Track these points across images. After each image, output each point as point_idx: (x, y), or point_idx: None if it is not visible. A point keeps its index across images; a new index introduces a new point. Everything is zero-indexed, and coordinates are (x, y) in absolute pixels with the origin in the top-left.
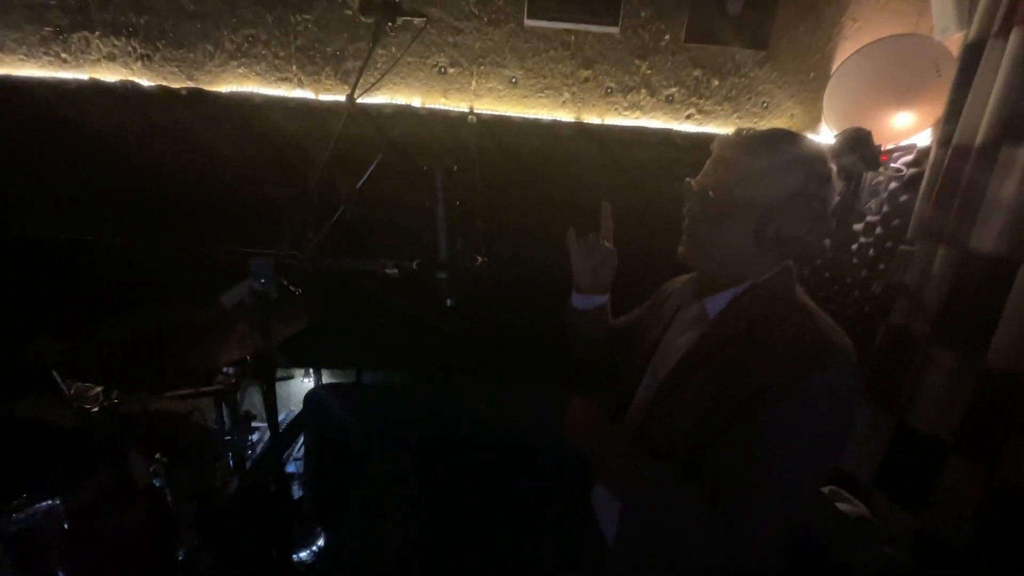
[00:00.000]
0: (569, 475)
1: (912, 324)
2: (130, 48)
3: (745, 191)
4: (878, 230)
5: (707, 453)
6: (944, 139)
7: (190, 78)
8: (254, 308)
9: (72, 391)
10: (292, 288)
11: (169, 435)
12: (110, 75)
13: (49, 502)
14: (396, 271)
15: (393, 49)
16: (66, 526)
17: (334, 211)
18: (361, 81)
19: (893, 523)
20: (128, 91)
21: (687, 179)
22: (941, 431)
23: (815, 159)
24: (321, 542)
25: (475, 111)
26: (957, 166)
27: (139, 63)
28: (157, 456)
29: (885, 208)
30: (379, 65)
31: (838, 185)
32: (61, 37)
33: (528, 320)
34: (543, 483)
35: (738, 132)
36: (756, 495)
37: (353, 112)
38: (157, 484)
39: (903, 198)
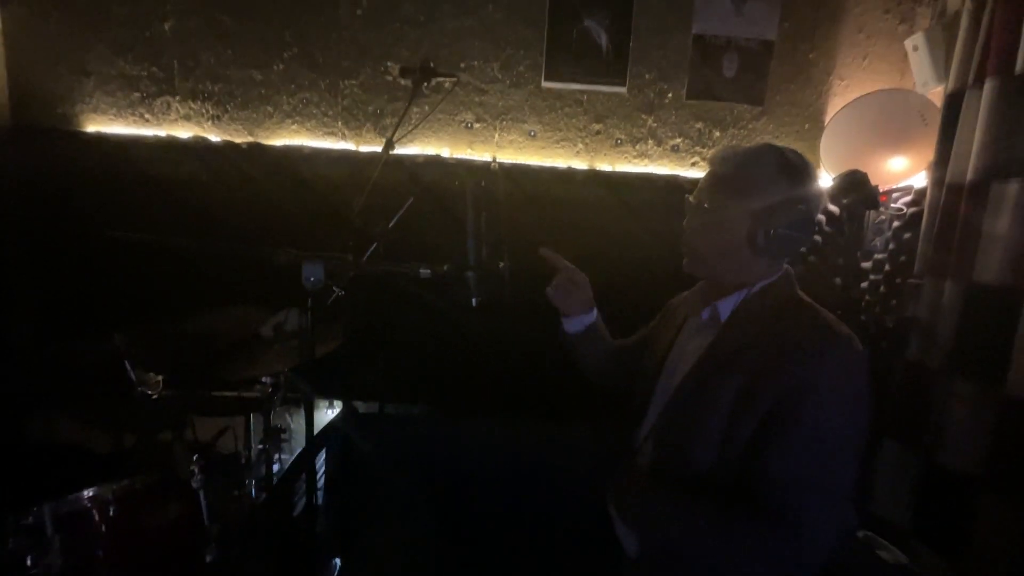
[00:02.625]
0: (586, 502)
1: (928, 358)
2: (204, 110)
3: (736, 201)
4: (886, 267)
5: (741, 461)
6: (938, 180)
7: (251, 134)
8: (292, 330)
9: (139, 378)
10: (336, 289)
11: (208, 442)
12: (184, 132)
13: (96, 489)
14: (429, 272)
15: (426, 107)
16: (112, 512)
17: (371, 243)
18: (398, 135)
19: (932, 570)
20: (198, 145)
21: (686, 195)
22: (970, 467)
23: (797, 167)
24: (337, 573)
25: (497, 159)
26: (952, 203)
27: (210, 122)
28: (196, 457)
29: (891, 246)
30: (413, 120)
31: (823, 191)
32: (146, 101)
33: (545, 324)
34: (561, 512)
35: (727, 148)
36: (819, 494)
37: (389, 159)
38: (195, 485)
39: (907, 235)
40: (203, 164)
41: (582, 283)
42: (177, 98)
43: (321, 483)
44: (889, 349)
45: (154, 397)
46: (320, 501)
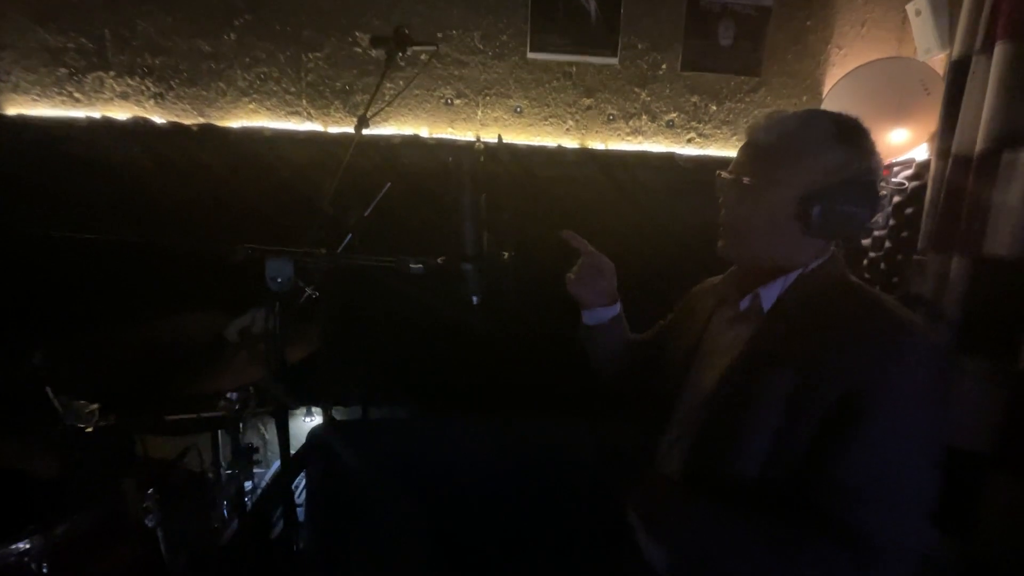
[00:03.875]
0: (597, 514)
1: (934, 336)
2: (143, 87)
3: (784, 172)
4: (887, 244)
5: (798, 469)
6: (942, 151)
7: (202, 115)
8: (260, 334)
9: (67, 409)
10: (309, 290)
11: (165, 469)
12: (122, 113)
13: (25, 543)
14: (421, 267)
15: (401, 83)
16: (45, 569)
17: (345, 234)
18: (371, 112)
19: (941, 551)
20: (140, 128)
21: (718, 172)
22: (978, 445)
23: (855, 131)
24: None
25: (482, 139)
26: (959, 175)
27: (152, 101)
28: (151, 492)
29: (892, 222)
30: (387, 97)
31: (882, 162)
32: (75, 78)
33: (555, 322)
34: (566, 523)
35: (770, 115)
36: (899, 509)
37: (362, 140)
38: (150, 524)
39: (908, 210)
40: (146, 149)
41: (608, 271)
42: (112, 73)
43: (301, 500)
44: None
45: (88, 430)
46: (301, 521)
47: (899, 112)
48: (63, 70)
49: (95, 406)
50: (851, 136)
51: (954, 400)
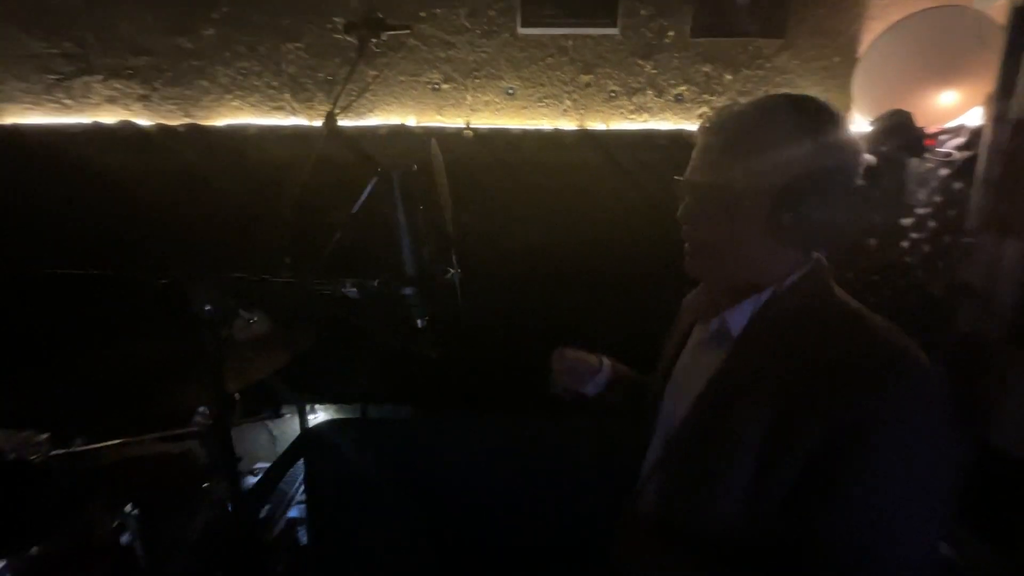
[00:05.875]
0: (592, 510)
1: (984, 328)
2: (130, 90)
3: (746, 176)
4: (931, 223)
5: (779, 517)
6: (999, 116)
7: (187, 114)
8: (245, 340)
9: (9, 441)
10: (245, 314)
11: (145, 484)
12: (111, 117)
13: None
14: (355, 291)
15: (386, 71)
16: None
17: (314, 235)
18: (350, 103)
19: (981, 563)
20: (128, 131)
21: (675, 177)
22: None
23: (826, 123)
24: None
25: (471, 126)
26: (1018, 144)
27: (139, 104)
28: (127, 509)
29: (937, 198)
30: (368, 86)
31: (862, 149)
32: (64, 84)
33: (539, 307)
34: (563, 520)
35: (722, 109)
36: (890, 568)
37: (331, 133)
38: (125, 541)
39: (957, 185)
40: (133, 153)
41: (574, 363)
42: (98, 77)
43: (296, 505)
44: (935, 320)
45: (35, 460)
46: (302, 518)
47: (949, 70)
48: (51, 76)
49: (43, 436)
50: (818, 125)
51: (1003, 402)
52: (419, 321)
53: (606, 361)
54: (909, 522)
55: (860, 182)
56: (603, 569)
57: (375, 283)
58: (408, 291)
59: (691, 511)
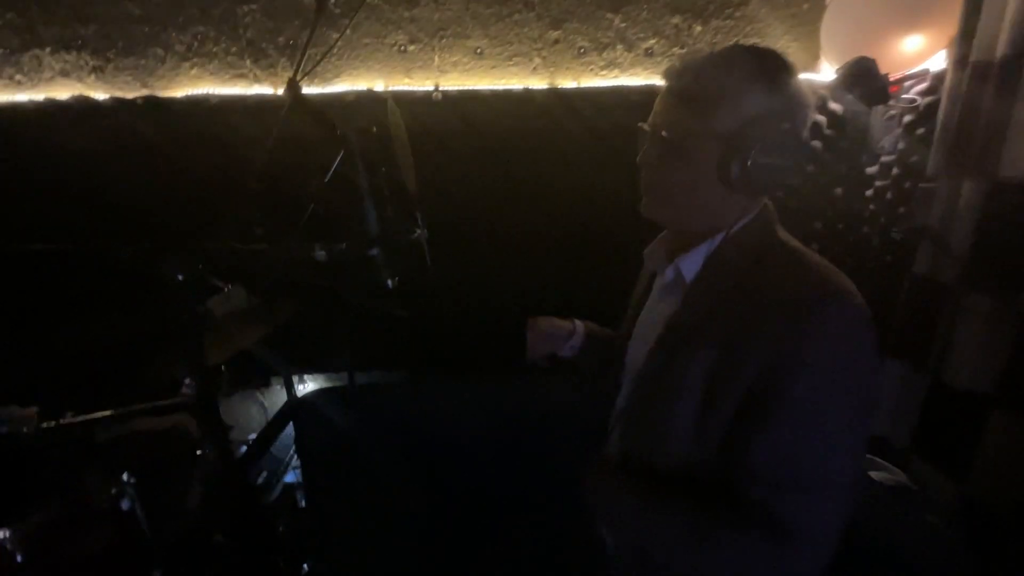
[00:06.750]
0: (568, 458)
1: (939, 271)
2: (82, 61)
3: (700, 123)
4: (895, 170)
5: (723, 446)
6: (960, 59)
7: (144, 85)
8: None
9: None
10: (220, 284)
11: (141, 454)
12: (64, 92)
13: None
14: (324, 254)
15: (349, 33)
16: (19, 558)
17: (283, 205)
18: (313, 66)
19: (935, 490)
20: (82, 106)
21: (639, 124)
22: (980, 385)
23: (775, 71)
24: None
25: (441, 88)
26: (978, 87)
27: (92, 76)
28: (125, 477)
29: (900, 145)
30: (336, 50)
31: (811, 98)
32: (13, 58)
33: (527, 262)
34: (542, 469)
35: (682, 58)
36: (817, 492)
37: (295, 101)
38: (125, 507)
39: (920, 131)
40: (90, 130)
41: (548, 328)
42: (47, 50)
43: (293, 470)
44: (894, 263)
45: (26, 432)
46: (298, 483)
47: (914, 14)
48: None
49: (31, 410)
50: (772, 76)
51: (956, 339)
52: (388, 282)
53: (579, 323)
54: (834, 450)
55: (807, 134)
56: (578, 511)
57: (343, 245)
58: (374, 251)
59: (647, 451)
